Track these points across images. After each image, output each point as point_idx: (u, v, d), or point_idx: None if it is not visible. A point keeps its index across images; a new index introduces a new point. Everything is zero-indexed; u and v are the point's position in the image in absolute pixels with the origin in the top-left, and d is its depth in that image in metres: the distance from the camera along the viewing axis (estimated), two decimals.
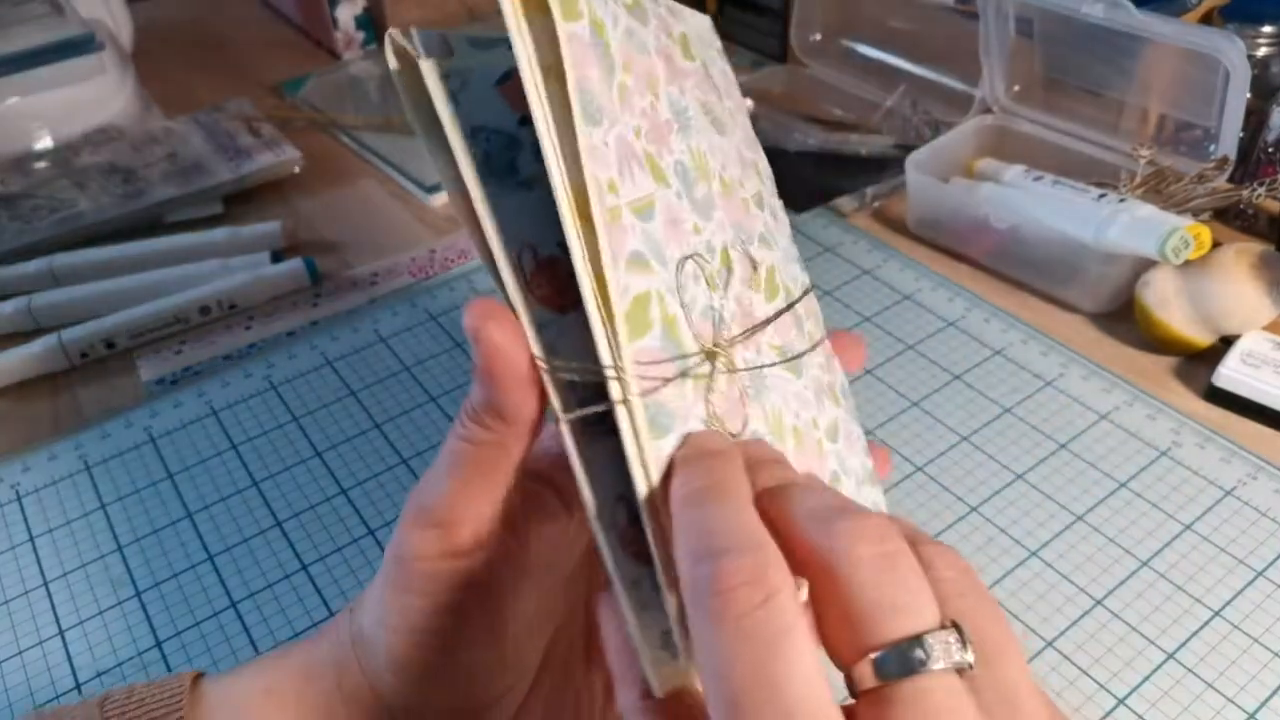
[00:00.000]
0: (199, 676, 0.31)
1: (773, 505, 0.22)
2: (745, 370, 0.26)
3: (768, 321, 0.28)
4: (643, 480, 0.23)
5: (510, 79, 0.26)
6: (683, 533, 0.21)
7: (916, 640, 0.19)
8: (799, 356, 0.29)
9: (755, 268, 0.28)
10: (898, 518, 0.23)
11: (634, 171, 0.24)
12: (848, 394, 0.33)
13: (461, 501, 0.25)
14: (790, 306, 0.30)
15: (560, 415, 0.24)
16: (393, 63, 0.25)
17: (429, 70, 0.24)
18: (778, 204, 0.33)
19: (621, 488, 0.24)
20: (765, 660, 0.19)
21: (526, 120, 0.24)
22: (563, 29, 0.23)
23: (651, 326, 0.23)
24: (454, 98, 0.24)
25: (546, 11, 0.23)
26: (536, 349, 0.24)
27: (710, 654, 0.19)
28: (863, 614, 0.20)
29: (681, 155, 0.27)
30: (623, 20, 0.26)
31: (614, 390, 0.23)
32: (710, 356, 0.25)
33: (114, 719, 0.29)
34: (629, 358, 0.23)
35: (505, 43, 0.23)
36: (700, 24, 0.32)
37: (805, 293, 0.31)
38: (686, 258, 0.25)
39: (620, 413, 0.23)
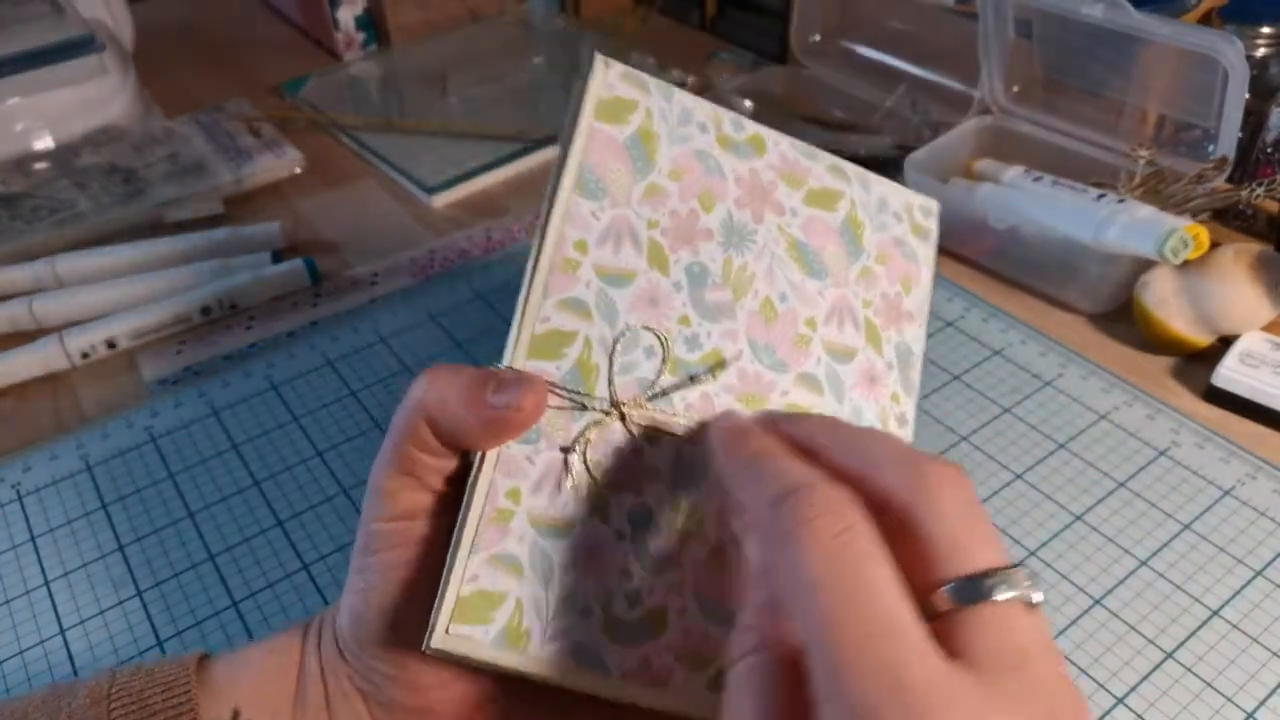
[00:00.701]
0: (205, 655, 0.33)
1: (851, 454, 0.25)
2: (639, 436, 0.30)
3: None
4: (477, 459, 0.28)
5: None
6: (752, 484, 0.24)
7: (994, 572, 0.22)
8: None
9: (768, 388, 0.32)
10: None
11: (623, 246, 0.30)
12: None
13: (396, 483, 0.29)
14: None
15: None
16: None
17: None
18: (895, 379, 0.34)
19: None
20: (857, 573, 0.21)
21: None
22: (589, 123, 0.30)
23: (562, 358, 0.29)
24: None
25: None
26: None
27: (802, 576, 0.21)
28: (944, 549, 0.22)
29: (708, 261, 0.31)
30: (698, 144, 0.32)
31: None
32: (612, 409, 0.29)
33: (122, 683, 0.31)
34: (520, 365, 0.28)
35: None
36: (888, 197, 0.36)
37: None
38: (638, 328, 0.30)
39: None
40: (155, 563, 0.45)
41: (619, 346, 0.29)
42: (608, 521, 0.29)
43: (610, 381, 0.29)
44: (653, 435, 0.29)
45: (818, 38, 0.80)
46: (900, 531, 0.23)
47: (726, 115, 0.33)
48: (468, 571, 0.27)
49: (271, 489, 0.48)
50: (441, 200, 0.70)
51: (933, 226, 0.37)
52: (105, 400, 0.55)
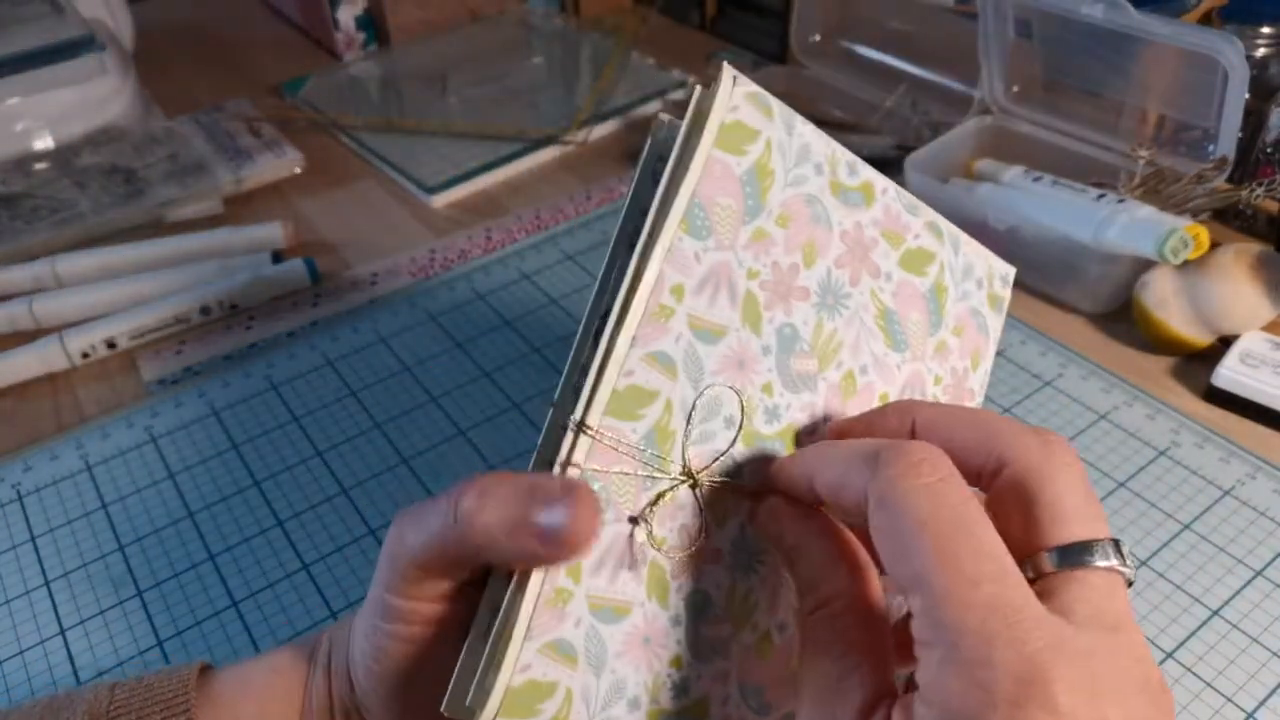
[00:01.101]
0: (206, 666, 0.32)
1: (971, 426, 0.25)
2: (704, 508, 0.27)
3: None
4: None
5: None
6: (836, 462, 0.25)
7: (1103, 542, 0.23)
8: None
9: None
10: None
11: (719, 297, 0.27)
12: None
13: (421, 572, 0.27)
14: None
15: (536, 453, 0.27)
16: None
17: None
18: None
19: None
20: (963, 513, 0.22)
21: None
22: (706, 150, 0.26)
23: (639, 420, 0.26)
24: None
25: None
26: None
27: (909, 519, 0.22)
28: (1061, 514, 0.23)
29: (800, 324, 0.28)
30: (811, 187, 0.29)
31: (565, 442, 0.25)
32: (685, 478, 0.26)
33: (121, 700, 0.31)
34: (596, 422, 0.25)
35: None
36: (974, 262, 0.33)
37: None
38: (721, 392, 0.27)
39: (557, 470, 0.25)
40: (155, 563, 0.45)
41: (697, 411, 0.27)
42: (666, 606, 0.27)
43: (684, 449, 0.26)
44: (720, 514, 0.27)
45: (818, 38, 0.80)
46: (1012, 495, 0.24)
47: (843, 157, 0.30)
48: (520, 660, 0.24)
49: (271, 489, 0.48)
50: (441, 200, 0.70)
51: (1007, 296, 0.35)
52: (105, 400, 0.55)
